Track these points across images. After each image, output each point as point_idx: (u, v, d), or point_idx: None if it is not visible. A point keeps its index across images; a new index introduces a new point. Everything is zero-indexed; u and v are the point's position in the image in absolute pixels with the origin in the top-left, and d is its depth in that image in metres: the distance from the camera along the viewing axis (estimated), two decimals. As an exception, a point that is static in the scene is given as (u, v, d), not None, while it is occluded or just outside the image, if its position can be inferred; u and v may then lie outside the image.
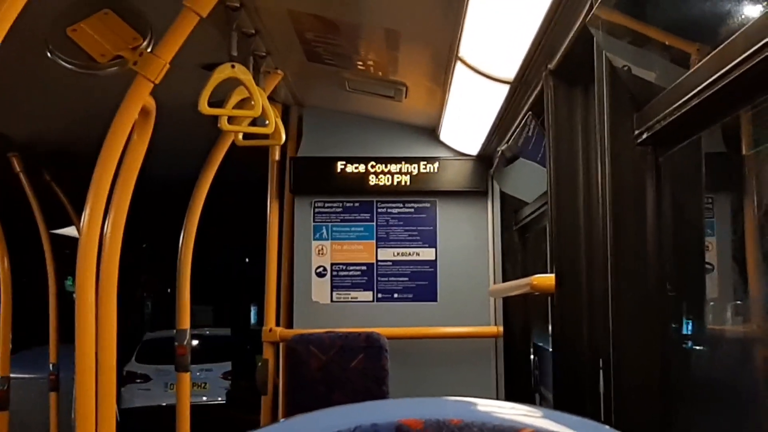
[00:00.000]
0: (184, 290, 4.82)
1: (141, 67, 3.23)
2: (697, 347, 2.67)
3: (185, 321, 4.82)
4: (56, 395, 6.86)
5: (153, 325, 20.41)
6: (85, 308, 3.14)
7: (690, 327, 2.60)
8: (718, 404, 2.51)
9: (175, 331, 4.87)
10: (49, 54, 3.14)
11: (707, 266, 3.15)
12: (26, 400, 7.49)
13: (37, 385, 7.73)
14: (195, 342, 11.61)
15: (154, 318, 23.28)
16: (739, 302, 3.02)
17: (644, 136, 2.31)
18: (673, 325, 2.52)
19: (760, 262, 2.62)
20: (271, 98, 4.50)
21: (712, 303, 2.95)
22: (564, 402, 3.05)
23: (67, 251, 6.50)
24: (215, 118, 3.86)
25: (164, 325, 15.69)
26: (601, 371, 2.60)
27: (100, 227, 3.21)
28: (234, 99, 3.90)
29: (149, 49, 3.26)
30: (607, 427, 0.70)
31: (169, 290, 17.06)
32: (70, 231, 7.43)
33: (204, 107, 3.62)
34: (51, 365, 6.90)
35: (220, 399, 12.41)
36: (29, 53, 3.17)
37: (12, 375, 6.48)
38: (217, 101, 3.78)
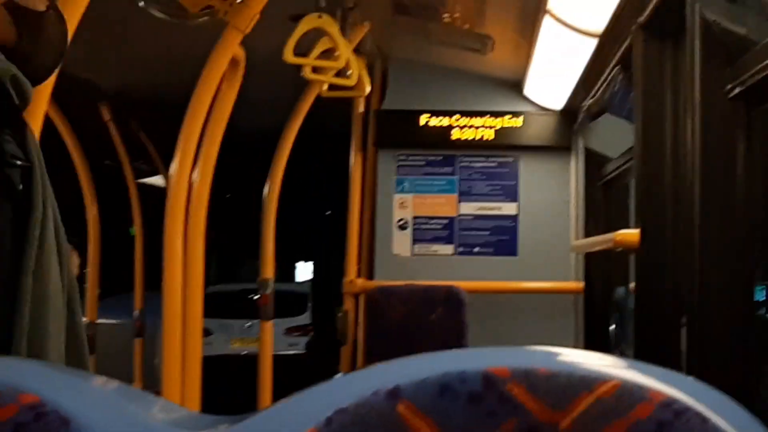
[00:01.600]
0: (269, 241, 4.87)
1: (231, 17, 3.25)
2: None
3: (269, 271, 4.87)
4: (141, 341, 7.01)
5: (215, 278, 20.60)
6: (173, 256, 3.20)
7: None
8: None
9: (257, 280, 4.92)
10: (141, 3, 3.18)
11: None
12: (112, 345, 7.65)
13: (123, 330, 7.89)
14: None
15: (216, 271, 23.48)
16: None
17: (736, 90, 2.26)
18: (761, 285, 2.49)
19: None
20: (357, 50, 4.50)
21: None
22: (645, 359, 3.03)
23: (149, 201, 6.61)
24: (302, 70, 3.88)
25: (226, 278, 15.83)
26: (683, 329, 2.58)
27: (188, 176, 3.26)
28: (318, 49, 3.91)
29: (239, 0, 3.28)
30: (694, 380, 0.70)
31: (233, 243, 17.15)
32: (155, 180, 7.55)
33: (289, 56, 3.64)
34: (136, 311, 7.03)
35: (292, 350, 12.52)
36: (121, 2, 3.21)
37: (98, 320, 6.64)
38: (302, 52, 3.80)
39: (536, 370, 0.65)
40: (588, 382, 0.65)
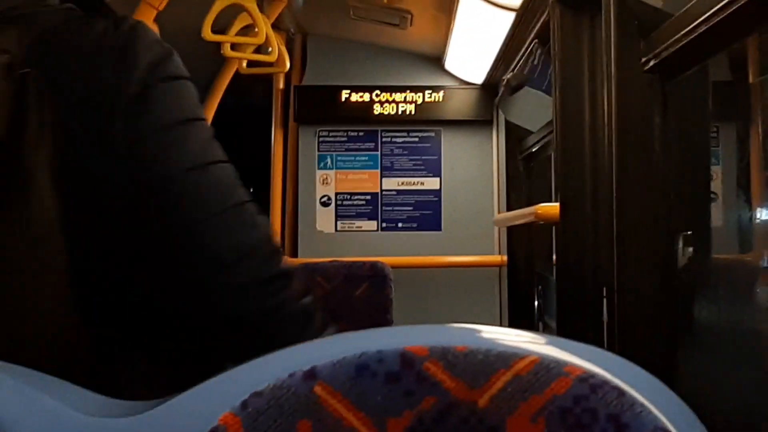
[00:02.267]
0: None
1: (144, -6, 3.20)
2: (701, 277, 2.67)
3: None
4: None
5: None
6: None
7: (694, 256, 2.60)
8: (722, 335, 2.52)
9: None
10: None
11: (712, 195, 3.14)
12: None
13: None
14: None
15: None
16: (743, 231, 3.02)
17: (651, 63, 2.29)
18: (677, 255, 2.53)
19: (765, 191, 2.62)
20: (275, 26, 4.47)
21: (715, 232, 2.95)
22: (567, 331, 3.07)
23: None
24: (220, 47, 3.83)
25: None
26: (605, 300, 2.61)
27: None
28: (237, 26, 3.87)
29: (152, -25, 3.23)
30: (612, 353, 0.70)
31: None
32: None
33: (207, 33, 3.60)
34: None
35: None
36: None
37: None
38: (220, 29, 3.75)
39: (454, 348, 0.65)
40: (505, 358, 0.65)
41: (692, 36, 1.98)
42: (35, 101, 1.09)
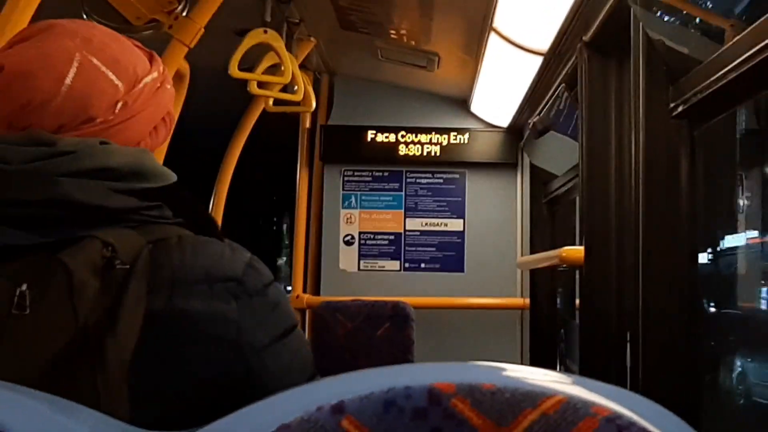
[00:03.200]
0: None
1: (176, 31, 3.24)
2: (726, 324, 2.66)
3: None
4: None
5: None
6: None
7: (720, 304, 2.59)
8: (746, 379, 2.51)
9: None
10: (84, 16, 3.15)
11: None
12: None
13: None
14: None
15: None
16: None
17: (679, 109, 2.29)
18: (704, 302, 2.52)
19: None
20: (303, 66, 4.50)
21: (741, 280, 2.93)
22: (590, 375, 3.05)
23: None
24: (247, 84, 3.86)
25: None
26: (628, 345, 2.60)
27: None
28: (264, 64, 3.90)
29: (184, 13, 3.26)
30: (638, 395, 0.70)
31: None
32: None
33: (234, 71, 3.63)
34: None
35: None
36: (66, 15, 3.17)
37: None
38: (248, 67, 3.78)
39: (481, 386, 0.65)
40: (532, 397, 0.65)
41: (721, 83, 1.99)
42: (133, 300, 1.21)
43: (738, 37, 1.92)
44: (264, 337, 1.32)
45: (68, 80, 1.35)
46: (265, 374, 1.31)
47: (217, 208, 4.91)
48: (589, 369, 3.09)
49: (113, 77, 1.41)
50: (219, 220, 4.82)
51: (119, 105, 1.40)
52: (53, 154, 1.26)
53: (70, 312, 1.17)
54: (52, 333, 1.16)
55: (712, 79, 2.03)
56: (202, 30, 3.26)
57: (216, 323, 1.27)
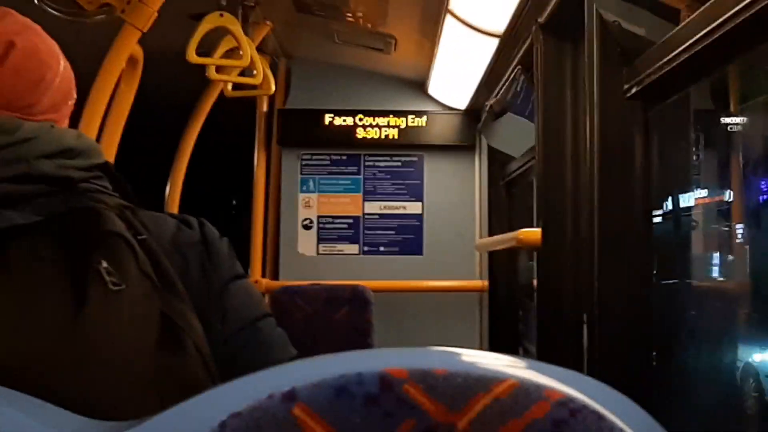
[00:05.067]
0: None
1: (128, 15, 3.19)
2: (681, 301, 2.69)
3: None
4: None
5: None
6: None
7: (674, 281, 2.62)
8: (701, 356, 2.53)
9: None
10: (36, 1, 3.11)
11: (692, 223, 3.16)
12: None
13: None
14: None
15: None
16: (722, 258, 3.04)
17: (633, 90, 2.30)
18: (658, 280, 2.54)
19: (744, 219, 2.63)
20: (260, 50, 4.47)
21: (695, 258, 2.96)
22: (547, 355, 3.07)
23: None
24: (204, 69, 3.83)
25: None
26: (585, 325, 2.62)
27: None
28: (222, 49, 3.87)
29: (137, -3, 3.23)
30: (591, 378, 0.70)
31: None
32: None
33: (192, 56, 3.60)
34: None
35: None
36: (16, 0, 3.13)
37: None
38: (205, 51, 3.75)
39: (433, 371, 0.65)
40: (485, 381, 0.65)
41: (674, 63, 2.00)
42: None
43: (689, 18, 1.93)
44: (226, 274, 1.43)
45: (62, 62, 1.43)
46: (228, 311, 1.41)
47: (173, 193, 4.87)
48: (546, 350, 3.10)
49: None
50: (176, 205, 4.80)
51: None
52: (15, 142, 1.28)
53: (148, 281, 1.23)
54: (145, 302, 1.21)
55: (665, 60, 2.04)
56: (156, 14, 3.22)
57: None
